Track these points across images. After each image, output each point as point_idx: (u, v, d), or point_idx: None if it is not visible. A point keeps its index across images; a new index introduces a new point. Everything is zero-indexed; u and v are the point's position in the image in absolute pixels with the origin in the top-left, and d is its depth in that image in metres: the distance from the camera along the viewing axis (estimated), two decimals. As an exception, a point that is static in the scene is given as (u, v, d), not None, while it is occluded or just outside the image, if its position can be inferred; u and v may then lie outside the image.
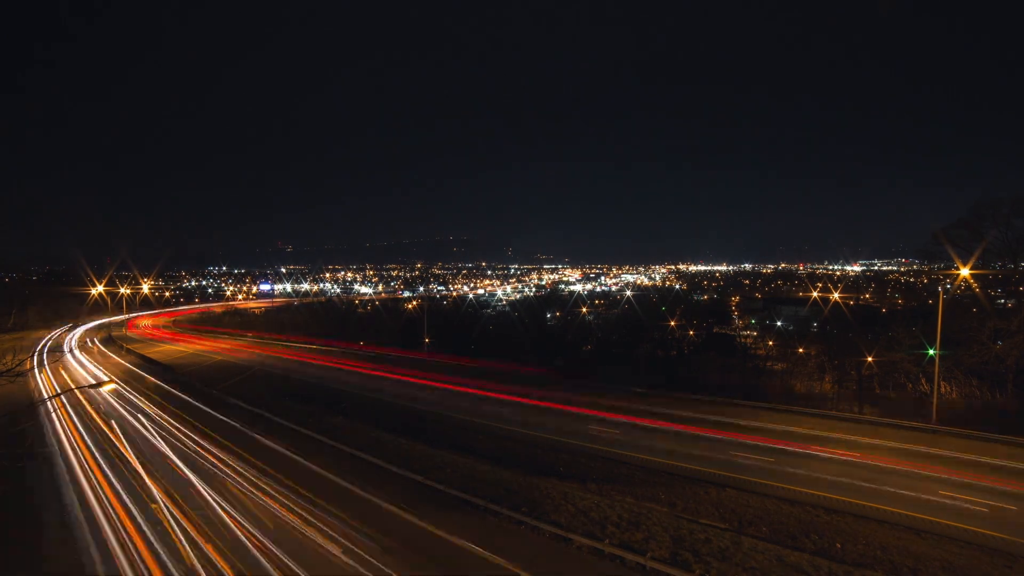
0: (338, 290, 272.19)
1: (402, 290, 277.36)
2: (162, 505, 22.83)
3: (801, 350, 54.46)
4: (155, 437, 32.85)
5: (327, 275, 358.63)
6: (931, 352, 38.10)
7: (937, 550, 18.83)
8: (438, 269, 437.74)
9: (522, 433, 33.59)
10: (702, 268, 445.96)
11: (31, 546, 19.98)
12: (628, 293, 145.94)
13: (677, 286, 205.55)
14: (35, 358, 64.33)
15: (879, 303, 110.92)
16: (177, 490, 24.46)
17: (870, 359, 43.58)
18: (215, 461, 28.24)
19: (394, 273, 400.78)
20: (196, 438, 32.57)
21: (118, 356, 68.10)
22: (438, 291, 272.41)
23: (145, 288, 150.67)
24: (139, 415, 38.41)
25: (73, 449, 30.66)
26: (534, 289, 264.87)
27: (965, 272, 39.13)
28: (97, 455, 29.60)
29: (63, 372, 55.92)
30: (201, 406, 40.68)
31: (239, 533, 20.19)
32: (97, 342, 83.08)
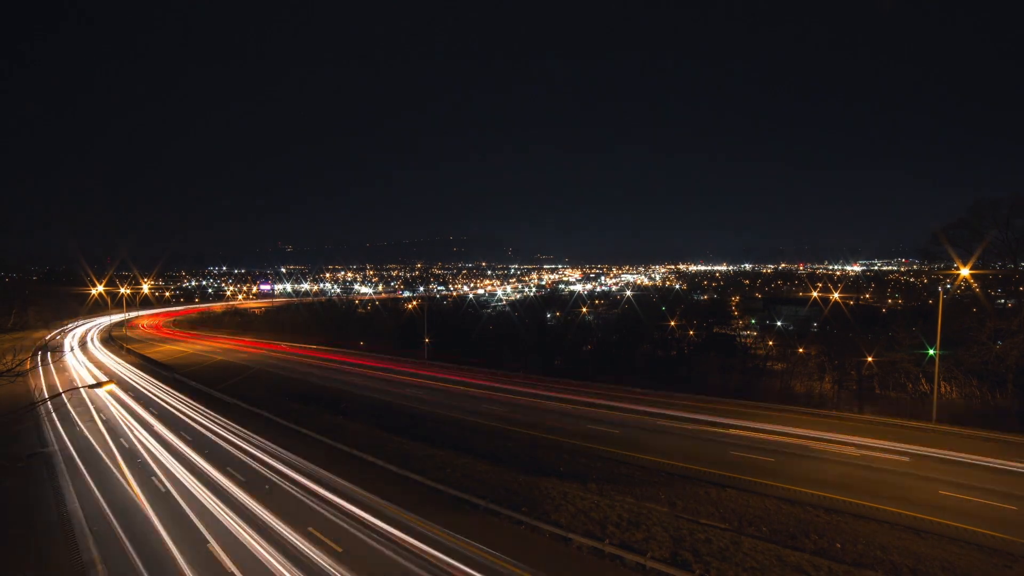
0: (338, 290, 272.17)
1: (402, 290, 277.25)
2: (160, 506, 22.86)
3: (801, 350, 54.36)
4: (153, 438, 32.86)
5: (327, 275, 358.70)
6: (931, 352, 38.07)
7: (937, 550, 18.81)
8: (438, 269, 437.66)
9: (522, 433, 33.57)
10: (702, 268, 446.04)
11: (32, 545, 20.00)
12: (628, 293, 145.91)
13: (677, 286, 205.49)
14: (35, 358, 64.33)
15: (879, 303, 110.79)
16: (175, 491, 24.48)
17: (870, 359, 43.54)
18: (214, 462, 28.24)
19: (394, 273, 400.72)
20: (195, 439, 32.58)
21: (118, 356, 68.10)
22: (438, 291, 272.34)
23: (145, 288, 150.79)
24: (138, 416, 38.42)
25: (73, 449, 30.68)
26: (534, 289, 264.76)
27: (965, 272, 39.10)
28: (96, 455, 29.62)
29: (63, 372, 55.92)
30: (201, 407, 40.68)
31: (237, 535, 20.20)
32: (97, 342, 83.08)
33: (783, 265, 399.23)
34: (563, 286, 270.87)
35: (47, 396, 43.30)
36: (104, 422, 36.49)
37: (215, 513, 21.96)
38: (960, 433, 31.48)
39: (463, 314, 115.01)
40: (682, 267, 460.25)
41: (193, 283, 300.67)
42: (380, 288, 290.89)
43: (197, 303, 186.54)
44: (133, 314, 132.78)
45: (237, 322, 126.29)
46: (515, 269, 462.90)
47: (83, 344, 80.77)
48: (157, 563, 18.32)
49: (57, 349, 75.14)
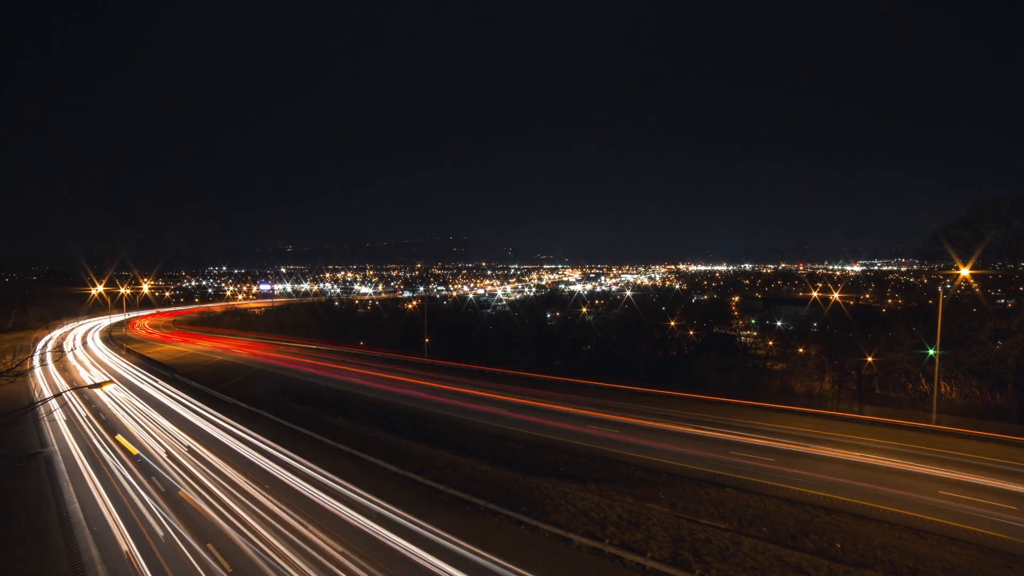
0: (338, 290, 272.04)
1: (402, 290, 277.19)
2: (160, 506, 22.85)
3: (801, 350, 54.42)
4: (153, 438, 32.85)
5: (327, 275, 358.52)
6: (931, 352, 38.08)
7: (937, 550, 18.82)
8: (438, 269, 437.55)
9: (521, 433, 33.56)
10: (702, 268, 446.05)
11: (31, 545, 19.98)
12: (628, 293, 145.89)
13: (677, 286, 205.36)
14: (35, 358, 64.30)
15: (879, 303, 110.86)
16: (174, 491, 24.48)
17: (870, 359, 43.53)
18: (214, 462, 28.24)
19: (394, 273, 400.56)
20: (195, 439, 32.58)
21: (118, 356, 68.08)
22: (438, 291, 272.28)
23: (145, 288, 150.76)
24: (138, 416, 38.42)
25: (72, 449, 30.67)
26: (534, 289, 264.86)
27: (965, 272, 39.11)
28: (96, 455, 29.61)
29: (63, 372, 55.90)
30: (201, 407, 40.68)
31: (237, 535, 20.20)
32: (97, 342, 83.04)
33: (783, 265, 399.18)
34: (563, 286, 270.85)
35: (47, 396, 43.29)
36: (104, 422, 36.48)
37: (214, 513, 21.95)
38: (960, 433, 31.47)
39: (463, 314, 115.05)
40: (682, 267, 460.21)
41: (193, 283, 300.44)
42: (380, 288, 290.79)
43: (197, 303, 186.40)
44: (133, 314, 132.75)
45: (237, 322, 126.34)
46: (515, 269, 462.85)
47: (83, 344, 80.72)
48: (157, 564, 18.32)
49: (57, 349, 75.13)
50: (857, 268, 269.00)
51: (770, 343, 65.57)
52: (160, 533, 20.35)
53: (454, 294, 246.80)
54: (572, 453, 29.75)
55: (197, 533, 20.24)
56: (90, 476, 26.40)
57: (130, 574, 17.84)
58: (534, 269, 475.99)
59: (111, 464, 28.15)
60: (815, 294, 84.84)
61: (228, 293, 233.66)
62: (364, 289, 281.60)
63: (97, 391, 45.39)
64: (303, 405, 41.32)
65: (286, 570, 17.62)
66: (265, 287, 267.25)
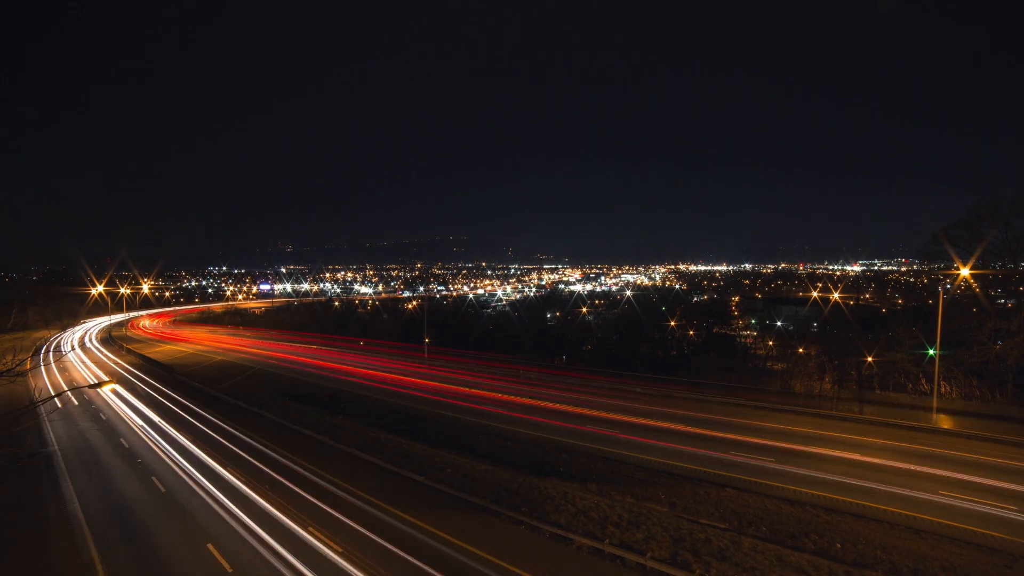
0: (338, 290, 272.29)
1: (402, 290, 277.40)
2: (161, 505, 22.86)
3: (801, 350, 54.30)
4: (154, 438, 32.87)
5: (327, 275, 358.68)
6: (931, 352, 38.07)
7: (937, 550, 18.80)
8: (438, 269, 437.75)
9: (522, 433, 33.57)
10: (702, 268, 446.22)
11: (32, 545, 19.98)
12: (628, 293, 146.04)
13: (677, 286, 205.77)
14: (35, 358, 64.34)
15: (879, 303, 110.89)
16: (175, 491, 24.49)
17: (870, 359, 43.49)
18: (214, 462, 28.25)
19: (394, 273, 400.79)
20: (195, 439, 32.59)
21: (118, 356, 68.12)
22: (438, 291, 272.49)
23: (145, 288, 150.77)
24: (138, 416, 38.44)
25: (73, 449, 30.68)
26: (534, 289, 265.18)
27: (965, 272, 39.10)
28: (96, 455, 29.62)
29: (63, 372, 55.95)
30: (200, 407, 40.69)
31: (236, 535, 20.19)
32: (97, 342, 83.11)
33: (783, 265, 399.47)
34: (563, 286, 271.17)
35: (47, 396, 43.30)
36: (104, 422, 36.50)
37: (214, 513, 21.96)
38: (960, 433, 31.47)
39: (463, 314, 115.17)
40: (682, 267, 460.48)
41: (193, 283, 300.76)
42: (380, 288, 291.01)
43: (197, 303, 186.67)
44: (133, 314, 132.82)
45: (237, 322, 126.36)
46: (515, 269, 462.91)
47: (83, 344, 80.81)
48: (156, 563, 18.32)
49: (57, 349, 75.20)
50: (857, 268, 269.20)
51: (770, 343, 65.51)
52: (159, 533, 20.35)
53: (454, 294, 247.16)
54: (572, 453, 29.75)
55: (197, 533, 20.24)
56: (90, 476, 26.40)
57: (130, 575, 17.83)
58: (534, 269, 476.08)
59: (111, 464, 28.17)
60: (815, 294, 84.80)
61: (228, 293, 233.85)
62: (364, 289, 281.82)
63: (97, 391, 45.41)
64: (303, 404, 41.33)
65: (286, 570, 17.62)
66: (265, 287, 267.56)
